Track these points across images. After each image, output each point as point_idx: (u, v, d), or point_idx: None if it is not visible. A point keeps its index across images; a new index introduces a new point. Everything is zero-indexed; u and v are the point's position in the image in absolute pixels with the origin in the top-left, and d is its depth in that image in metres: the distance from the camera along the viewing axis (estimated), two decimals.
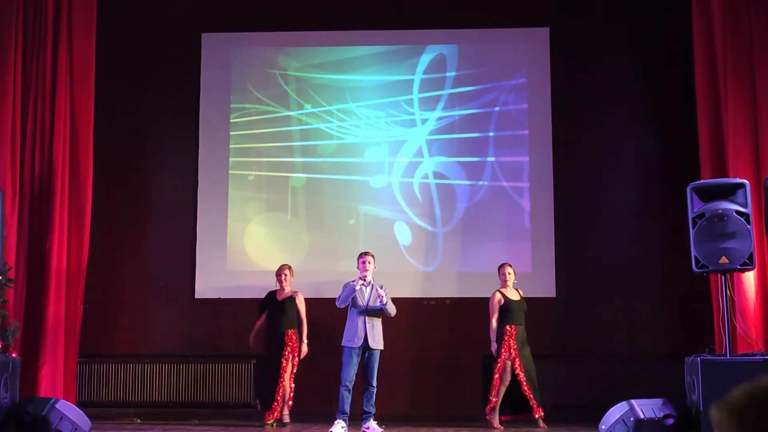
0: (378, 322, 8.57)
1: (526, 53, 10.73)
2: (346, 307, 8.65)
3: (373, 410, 8.49)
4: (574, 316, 10.02)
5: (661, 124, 10.46)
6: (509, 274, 9.29)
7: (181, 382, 10.24)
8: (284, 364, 9.12)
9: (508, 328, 9.15)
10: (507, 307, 9.23)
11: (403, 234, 10.51)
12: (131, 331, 10.47)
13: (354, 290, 8.52)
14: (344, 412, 8.42)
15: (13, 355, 7.57)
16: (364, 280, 8.53)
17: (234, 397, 10.09)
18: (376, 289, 8.48)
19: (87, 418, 7.05)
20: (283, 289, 9.41)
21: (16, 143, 8.89)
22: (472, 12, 10.80)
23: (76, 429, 6.83)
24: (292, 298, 9.34)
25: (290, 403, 9.19)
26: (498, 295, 9.31)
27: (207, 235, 10.56)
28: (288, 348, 9.17)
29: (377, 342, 8.51)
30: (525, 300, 9.32)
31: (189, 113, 10.80)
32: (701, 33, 8.60)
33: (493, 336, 9.22)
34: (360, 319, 8.53)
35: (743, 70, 8.34)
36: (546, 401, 9.27)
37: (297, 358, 9.22)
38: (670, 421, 6.51)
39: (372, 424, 8.46)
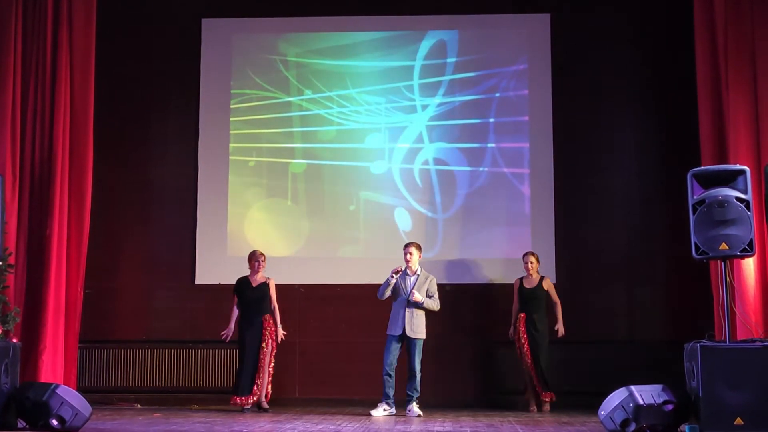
0: (419, 312, 8.88)
1: (526, 39, 10.70)
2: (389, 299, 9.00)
3: (415, 394, 8.80)
4: (573, 303, 10.01)
5: (661, 110, 10.44)
6: (530, 263, 9.60)
7: (181, 368, 10.27)
8: (265, 350, 9.16)
9: (519, 315, 9.52)
10: (520, 294, 9.59)
11: (404, 220, 10.51)
12: (131, 316, 10.48)
13: (388, 284, 8.88)
14: (387, 396, 8.79)
15: (14, 340, 7.57)
16: (397, 273, 8.86)
17: (234, 382, 10.11)
18: (412, 292, 8.81)
19: (87, 404, 7.04)
20: (257, 276, 9.41)
21: (17, 129, 8.87)
22: None
23: (76, 414, 6.83)
24: (266, 284, 9.37)
25: (269, 388, 9.22)
26: (517, 283, 9.68)
27: (207, 220, 10.56)
28: (267, 333, 9.20)
29: (415, 331, 8.81)
30: (541, 287, 9.55)
31: (189, 99, 10.78)
32: (702, 19, 8.57)
33: (512, 320, 9.62)
34: (401, 309, 8.87)
35: (744, 57, 8.32)
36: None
37: (275, 343, 9.26)
38: (670, 407, 6.50)
39: (413, 406, 8.74)
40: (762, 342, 6.53)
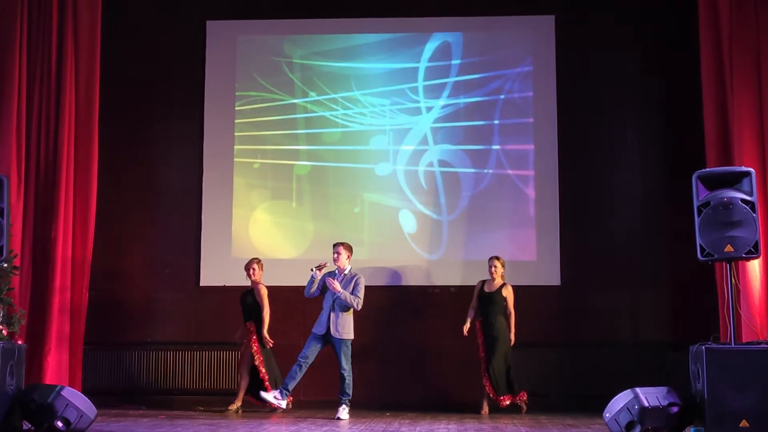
0: (344, 313, 8.70)
1: (531, 41, 10.70)
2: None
3: (344, 397, 8.61)
4: (578, 305, 10.01)
5: (666, 112, 10.43)
6: (494, 266, 9.45)
7: (186, 370, 10.27)
8: (254, 355, 9.19)
9: (477, 319, 9.41)
10: (479, 297, 9.46)
11: (408, 222, 10.51)
12: (136, 318, 10.49)
13: (313, 280, 8.77)
14: (285, 384, 8.69)
15: (19, 342, 7.58)
16: (319, 269, 8.75)
17: (238, 383, 10.12)
18: (329, 279, 8.67)
19: (92, 406, 7.04)
20: (251, 283, 9.47)
21: (22, 131, 8.89)
22: None
23: (81, 416, 6.84)
24: (251, 291, 9.41)
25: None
26: (479, 285, 9.55)
27: (212, 222, 10.57)
28: (249, 338, 9.26)
29: (340, 332, 8.64)
30: (499, 293, 9.40)
31: (194, 101, 10.79)
32: (707, 20, 8.56)
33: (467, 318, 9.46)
34: (327, 309, 8.74)
35: (749, 58, 8.30)
36: (551, 390, 9.36)
37: (255, 346, 9.21)
38: (675, 409, 6.49)
39: (340, 410, 8.54)
40: (767, 344, 6.52)
